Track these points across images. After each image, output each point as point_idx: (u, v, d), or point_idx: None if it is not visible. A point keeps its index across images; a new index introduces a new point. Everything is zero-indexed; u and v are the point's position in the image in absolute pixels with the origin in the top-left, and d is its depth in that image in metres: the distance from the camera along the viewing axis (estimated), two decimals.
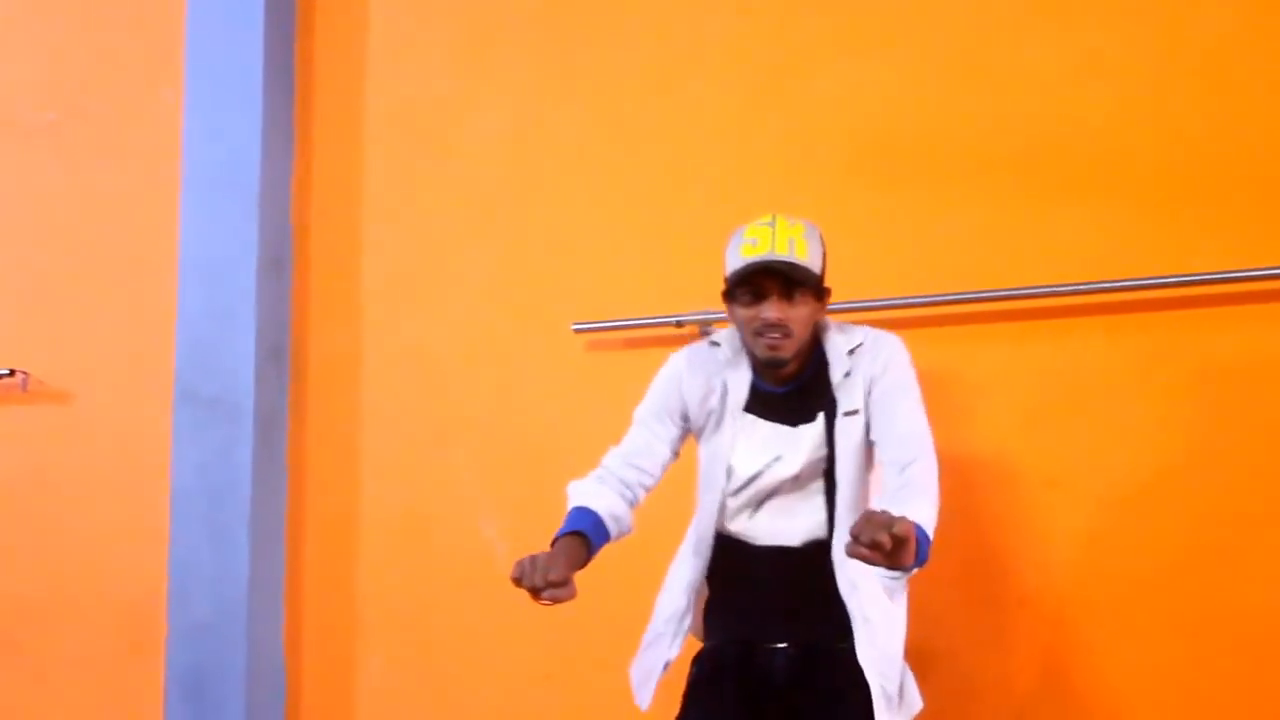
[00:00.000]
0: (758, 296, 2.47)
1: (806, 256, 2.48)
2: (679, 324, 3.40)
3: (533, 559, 2.28)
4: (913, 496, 2.43)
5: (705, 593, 2.68)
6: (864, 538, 2.08)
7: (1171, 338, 2.97)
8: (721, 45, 3.48)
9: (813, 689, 2.54)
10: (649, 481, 2.63)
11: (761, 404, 2.62)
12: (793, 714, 2.56)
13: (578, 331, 3.55)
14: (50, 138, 4.32)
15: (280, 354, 3.89)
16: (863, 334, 2.62)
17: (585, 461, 3.52)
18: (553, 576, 2.25)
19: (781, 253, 2.46)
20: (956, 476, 3.03)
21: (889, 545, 2.07)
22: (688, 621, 2.64)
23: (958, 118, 3.21)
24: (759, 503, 2.58)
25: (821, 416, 2.57)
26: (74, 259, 4.26)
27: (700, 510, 2.63)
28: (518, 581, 2.27)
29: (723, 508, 2.59)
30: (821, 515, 2.56)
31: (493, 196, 3.75)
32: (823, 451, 2.55)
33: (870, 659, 2.48)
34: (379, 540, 3.83)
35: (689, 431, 2.65)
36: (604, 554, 2.59)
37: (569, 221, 3.67)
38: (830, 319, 2.64)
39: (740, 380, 2.63)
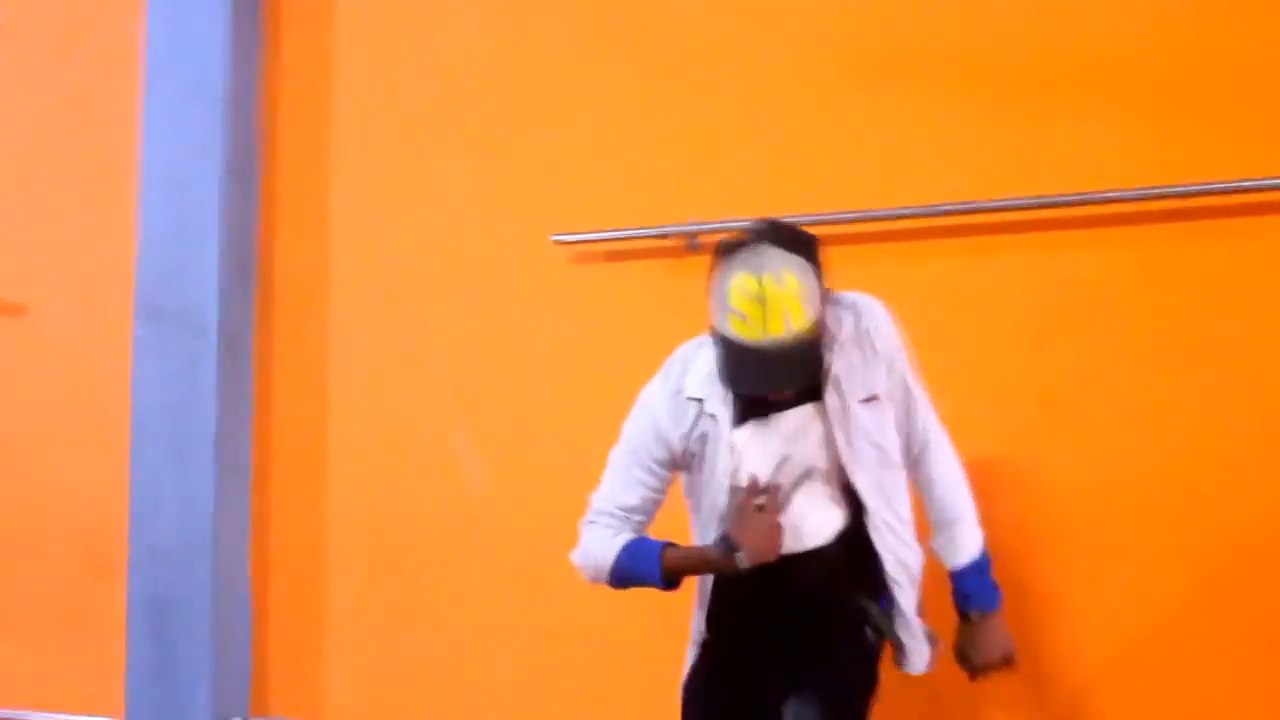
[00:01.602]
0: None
1: (802, 322, 2.30)
2: (664, 235, 3.37)
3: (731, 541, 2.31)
4: (959, 515, 2.54)
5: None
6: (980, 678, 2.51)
7: (1170, 251, 2.99)
8: None
9: (830, 639, 2.50)
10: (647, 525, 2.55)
11: (756, 407, 2.47)
12: (795, 668, 2.52)
13: (558, 243, 3.51)
14: (4, 36, 4.28)
15: (246, 267, 3.87)
16: (853, 309, 2.50)
17: (565, 377, 3.57)
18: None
19: (777, 335, 2.28)
20: (952, 393, 3.00)
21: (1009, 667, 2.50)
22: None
23: (956, 27, 3.20)
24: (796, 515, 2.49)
25: (831, 397, 2.45)
26: (29, 166, 4.26)
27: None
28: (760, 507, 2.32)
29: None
30: (841, 508, 2.48)
31: (469, 103, 3.74)
32: (844, 438, 2.44)
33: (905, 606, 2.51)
34: (348, 460, 3.82)
35: (676, 468, 2.52)
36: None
37: (549, 129, 3.64)
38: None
39: (719, 406, 2.48)
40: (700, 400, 2.47)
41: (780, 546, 2.36)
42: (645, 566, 2.40)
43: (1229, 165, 2.90)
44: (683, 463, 2.50)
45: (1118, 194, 2.97)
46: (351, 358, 3.84)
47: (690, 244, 3.32)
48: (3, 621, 4.15)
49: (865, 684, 2.53)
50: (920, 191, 3.17)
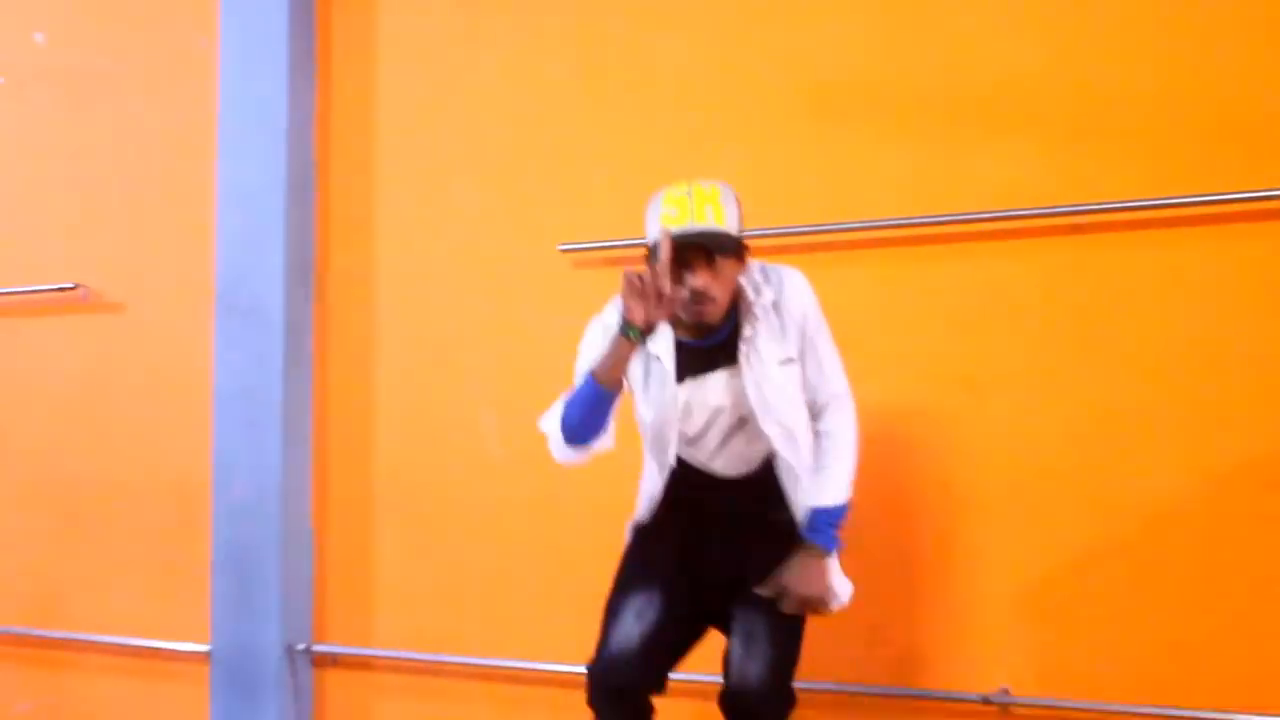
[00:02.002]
0: (682, 266, 2.31)
1: (725, 222, 2.33)
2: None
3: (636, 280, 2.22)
4: (832, 466, 2.48)
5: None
6: (788, 608, 2.42)
7: (1071, 258, 3.01)
8: (685, 9, 3.47)
9: (768, 547, 2.48)
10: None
11: (691, 363, 2.46)
12: (732, 572, 2.49)
13: (563, 251, 3.54)
14: (106, 82, 4.29)
15: (306, 270, 3.89)
16: (775, 280, 2.47)
17: (566, 363, 3.51)
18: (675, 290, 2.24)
19: (701, 222, 2.31)
20: (890, 375, 3.17)
21: (812, 611, 2.44)
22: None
23: (894, 67, 3.21)
24: (715, 448, 2.48)
25: (751, 365, 2.43)
26: (127, 187, 4.23)
27: (650, 465, 2.54)
28: (641, 288, 2.22)
29: (674, 461, 2.48)
30: (763, 447, 2.46)
31: (489, 132, 3.73)
32: (758, 395, 2.42)
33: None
34: (391, 430, 3.84)
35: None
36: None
37: (557, 152, 3.63)
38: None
39: (667, 356, 2.46)
40: (654, 353, 2.45)
41: (661, 318, 2.26)
42: (583, 386, 2.36)
43: (1121, 186, 2.93)
44: (629, 381, 2.44)
45: (1028, 211, 3.01)
46: (392, 345, 3.86)
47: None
48: (112, 566, 4.18)
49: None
50: (865, 208, 3.19)
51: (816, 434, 2.50)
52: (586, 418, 2.38)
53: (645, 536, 2.60)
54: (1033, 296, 3.05)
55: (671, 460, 2.47)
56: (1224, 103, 2.88)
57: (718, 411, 2.45)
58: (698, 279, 2.30)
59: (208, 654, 3.90)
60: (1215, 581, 2.86)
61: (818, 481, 2.47)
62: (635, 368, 2.44)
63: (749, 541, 2.50)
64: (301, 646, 3.84)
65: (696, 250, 2.30)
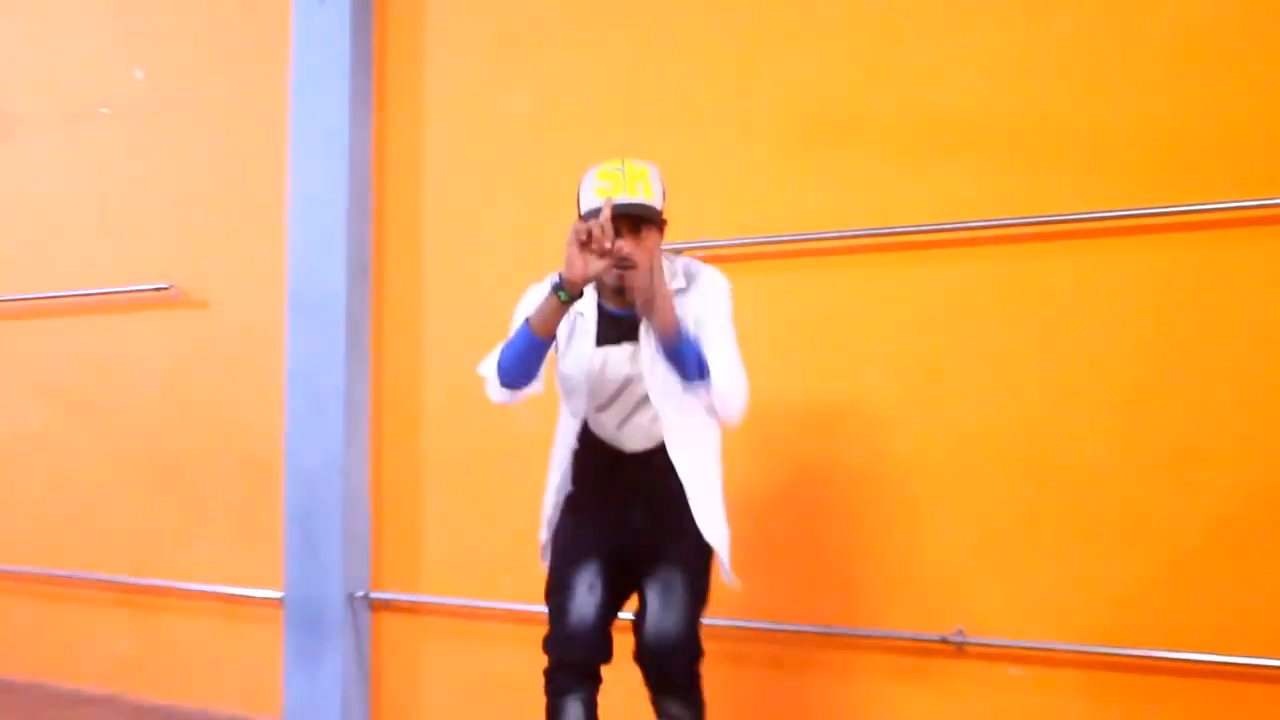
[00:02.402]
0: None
1: (651, 196, 2.26)
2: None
3: (590, 227, 2.10)
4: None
5: (570, 489, 2.49)
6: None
7: (1019, 264, 3.02)
8: (689, 49, 3.47)
9: (673, 517, 2.37)
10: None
11: (610, 329, 2.38)
12: (648, 539, 2.39)
13: None
14: (194, 111, 4.32)
15: (364, 270, 3.90)
16: (688, 268, 2.40)
17: None
18: (617, 244, 2.10)
19: (630, 195, 2.23)
20: (861, 368, 3.16)
21: (630, 265, 2.14)
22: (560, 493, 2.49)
23: (868, 99, 3.21)
24: (622, 419, 2.38)
25: (648, 337, 2.32)
26: (212, 201, 4.24)
27: (563, 422, 2.45)
28: (586, 240, 2.11)
29: (586, 420, 2.39)
30: (658, 427, 2.36)
31: (518, 151, 3.72)
32: (651, 367, 2.32)
33: (700, 516, 2.36)
34: (437, 407, 3.84)
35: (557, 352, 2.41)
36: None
37: (575, 168, 3.23)
38: (661, 252, 2.34)
39: (590, 315, 2.39)
40: (579, 310, 2.38)
41: (599, 270, 2.15)
42: (518, 335, 2.29)
43: (1057, 201, 2.94)
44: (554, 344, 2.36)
45: (982, 222, 3.02)
46: (438, 333, 3.86)
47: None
48: (199, 524, 4.21)
49: (710, 558, 2.42)
50: (842, 219, 3.19)
51: None
52: (520, 364, 2.30)
53: (575, 514, 2.46)
54: (986, 296, 3.05)
55: (584, 410, 2.37)
56: (1146, 128, 2.89)
57: (626, 381, 2.35)
58: (624, 245, 2.21)
59: (281, 600, 3.91)
60: (1138, 537, 2.87)
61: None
62: (562, 327, 2.34)
63: (660, 509, 2.39)
64: (360, 594, 3.85)
65: (625, 219, 2.23)
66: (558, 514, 2.49)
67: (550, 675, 2.40)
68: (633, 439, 2.40)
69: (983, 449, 3.05)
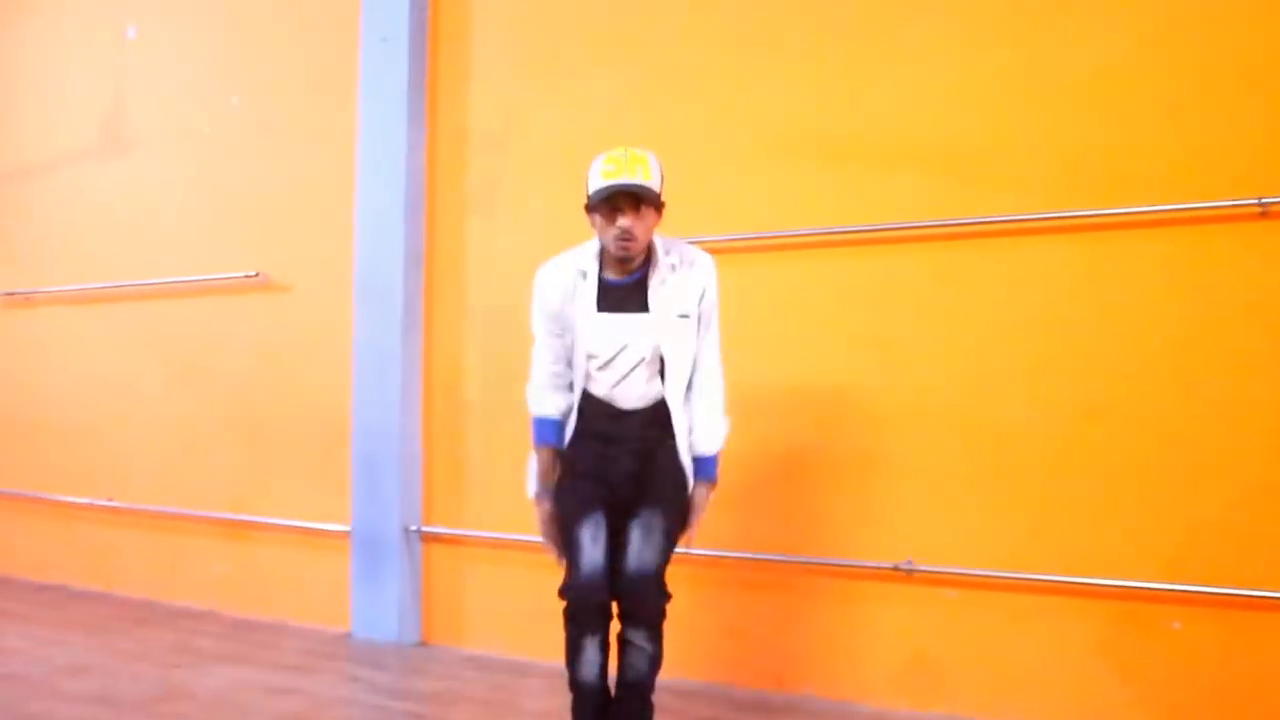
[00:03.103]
0: (614, 210, 2.22)
1: (650, 179, 2.22)
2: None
3: (549, 541, 2.32)
4: (713, 422, 2.36)
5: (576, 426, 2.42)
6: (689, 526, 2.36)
7: (955, 255, 3.01)
8: (685, 79, 3.45)
9: (655, 471, 2.36)
10: (571, 371, 2.37)
11: (610, 298, 2.32)
12: (635, 484, 2.35)
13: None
14: (279, 131, 4.34)
15: (417, 262, 3.90)
16: (682, 250, 2.36)
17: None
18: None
19: (632, 178, 2.19)
20: (820, 341, 3.15)
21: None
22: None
23: (828, 119, 3.20)
24: (619, 378, 2.32)
25: (656, 312, 2.29)
26: (293, 203, 4.25)
27: (574, 380, 2.39)
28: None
29: (588, 378, 2.33)
30: (659, 385, 2.33)
31: (546, 159, 3.68)
32: (659, 340, 2.29)
33: (685, 449, 2.37)
34: (477, 373, 3.83)
35: (566, 326, 2.34)
36: None
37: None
38: (656, 234, 2.32)
39: (591, 279, 2.32)
40: (582, 271, 2.32)
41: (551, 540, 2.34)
42: (539, 436, 2.38)
43: (985, 206, 2.93)
44: (565, 321, 2.33)
45: (924, 222, 3.01)
46: (478, 312, 3.84)
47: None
48: (282, 470, 4.23)
49: (682, 502, 2.39)
50: (808, 218, 3.17)
51: (693, 389, 2.38)
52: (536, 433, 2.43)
53: (573, 475, 2.38)
54: (930, 282, 3.05)
55: (586, 365, 2.32)
56: (1060, 151, 2.87)
57: (624, 346, 2.29)
58: (625, 219, 2.21)
59: (349, 532, 3.92)
60: (1050, 481, 2.88)
61: (702, 434, 2.37)
62: (568, 297, 2.32)
63: (646, 462, 2.36)
64: (414, 527, 3.85)
65: (627, 197, 2.21)
66: (555, 473, 2.43)
67: (570, 617, 2.33)
68: (627, 398, 2.35)
69: (927, 408, 3.04)
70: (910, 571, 2.99)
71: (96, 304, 4.88)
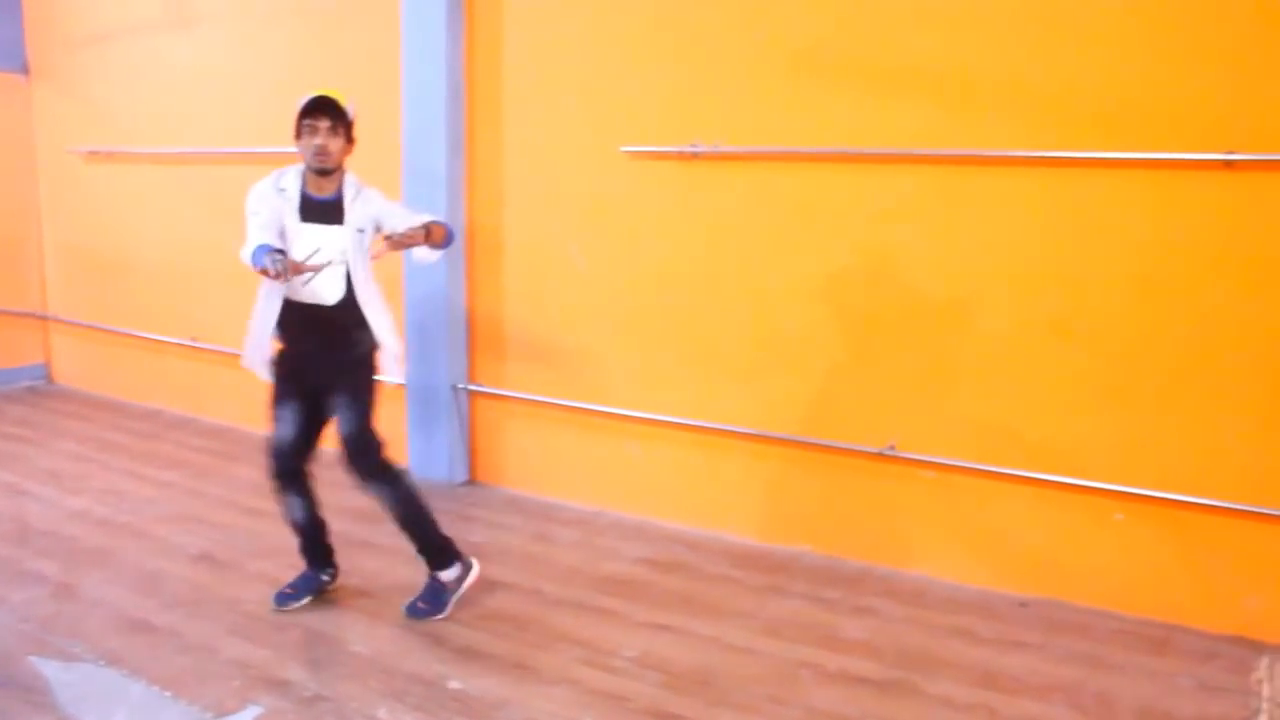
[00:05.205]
0: (313, 132, 2.48)
1: (345, 105, 2.51)
2: (678, 149, 3.45)
3: (276, 262, 2.33)
4: (419, 217, 2.59)
5: (275, 326, 2.68)
6: (396, 240, 2.48)
7: (944, 182, 3.05)
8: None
9: (342, 361, 2.64)
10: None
11: (309, 210, 2.57)
12: (329, 380, 2.64)
13: (624, 152, 3.61)
14: (335, 19, 4.28)
15: (459, 146, 3.95)
16: (358, 190, 2.62)
17: (624, 220, 3.70)
18: (293, 267, 2.38)
19: (329, 95, 2.49)
20: (821, 241, 3.28)
21: (409, 243, 2.49)
22: (268, 339, 2.68)
23: (839, 41, 3.20)
24: (307, 280, 2.55)
25: (343, 226, 2.57)
26: (346, 92, 3.82)
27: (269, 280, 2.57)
28: (277, 275, 2.34)
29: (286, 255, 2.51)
30: (344, 285, 2.59)
31: (574, 68, 3.72)
32: (343, 245, 2.56)
33: (382, 335, 2.65)
34: (515, 250, 3.93)
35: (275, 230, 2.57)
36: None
37: (621, 85, 3.62)
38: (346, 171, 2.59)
39: (294, 193, 2.56)
40: (283, 189, 2.57)
41: (286, 281, 2.44)
42: (255, 259, 2.44)
43: (981, 137, 2.96)
44: (275, 225, 2.53)
45: (917, 150, 3.06)
46: (515, 195, 3.89)
47: (693, 152, 3.41)
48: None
49: (371, 380, 2.69)
50: (815, 136, 3.22)
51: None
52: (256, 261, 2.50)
53: (279, 366, 2.70)
54: (923, 202, 3.11)
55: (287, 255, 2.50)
56: (1051, 83, 2.88)
57: (315, 251, 2.54)
58: (319, 135, 2.49)
59: (404, 386, 4.07)
60: (1024, 384, 3.02)
61: (419, 220, 2.62)
62: (275, 207, 2.53)
63: (338, 350, 2.66)
64: (461, 385, 4.02)
65: (322, 113, 2.48)
66: (264, 353, 2.68)
67: (270, 478, 2.76)
68: (314, 294, 2.59)
69: (916, 312, 3.15)
70: (894, 455, 3.18)
71: (171, 165, 5.02)
